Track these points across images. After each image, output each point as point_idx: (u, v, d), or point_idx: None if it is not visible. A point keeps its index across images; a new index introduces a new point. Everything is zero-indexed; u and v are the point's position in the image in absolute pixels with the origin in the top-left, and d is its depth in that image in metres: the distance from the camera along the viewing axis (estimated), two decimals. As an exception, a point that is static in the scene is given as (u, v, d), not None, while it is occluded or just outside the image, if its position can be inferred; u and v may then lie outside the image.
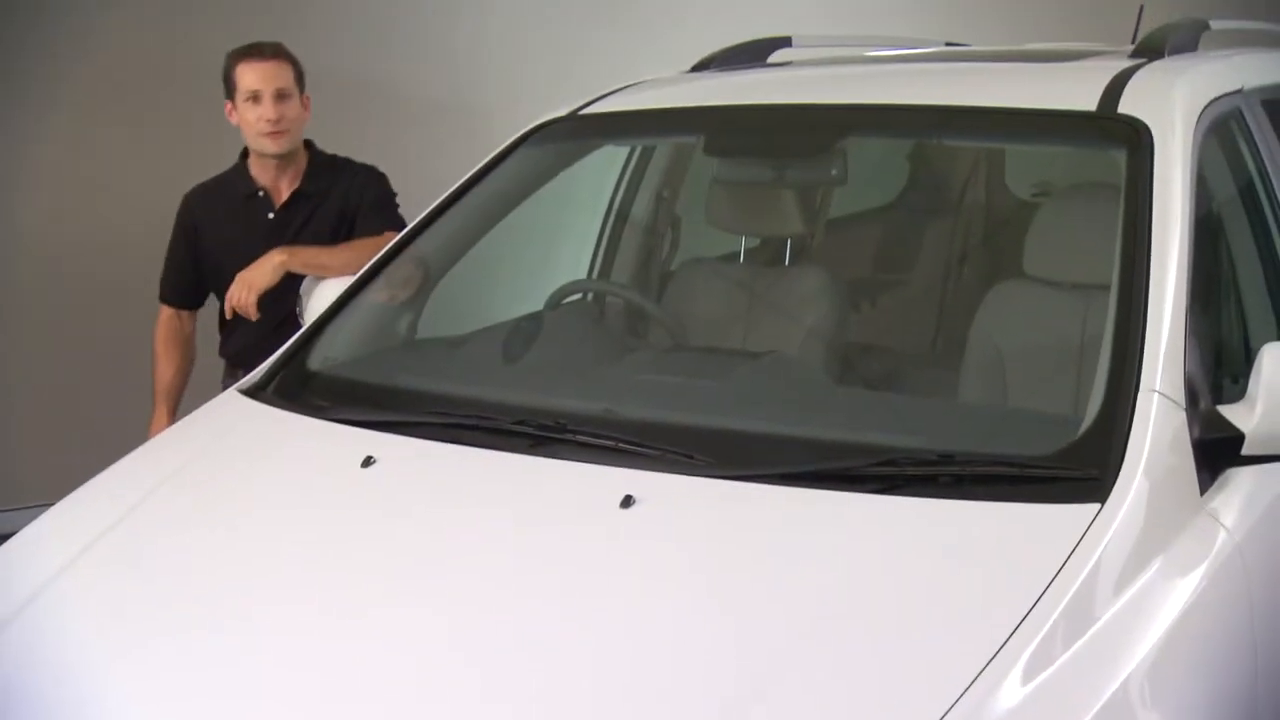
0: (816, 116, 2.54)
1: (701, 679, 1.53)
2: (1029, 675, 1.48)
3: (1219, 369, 2.15)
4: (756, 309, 2.80)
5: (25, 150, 3.98)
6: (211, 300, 3.33)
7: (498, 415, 2.06)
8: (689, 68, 2.91)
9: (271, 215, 3.22)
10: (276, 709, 1.58)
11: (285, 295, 3.10)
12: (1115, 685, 1.53)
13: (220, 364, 3.35)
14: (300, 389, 2.34)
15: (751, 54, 2.94)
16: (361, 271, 2.60)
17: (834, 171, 2.63)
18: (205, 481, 2.10)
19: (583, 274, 3.26)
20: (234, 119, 3.21)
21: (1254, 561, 1.83)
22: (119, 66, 4.03)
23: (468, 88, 4.68)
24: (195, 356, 3.33)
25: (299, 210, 3.22)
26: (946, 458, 1.82)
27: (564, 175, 2.81)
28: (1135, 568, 1.66)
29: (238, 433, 2.24)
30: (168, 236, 3.32)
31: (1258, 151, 2.36)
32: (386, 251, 2.62)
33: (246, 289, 3.06)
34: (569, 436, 1.98)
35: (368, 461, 2.00)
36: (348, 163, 3.33)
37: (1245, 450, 1.83)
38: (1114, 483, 1.71)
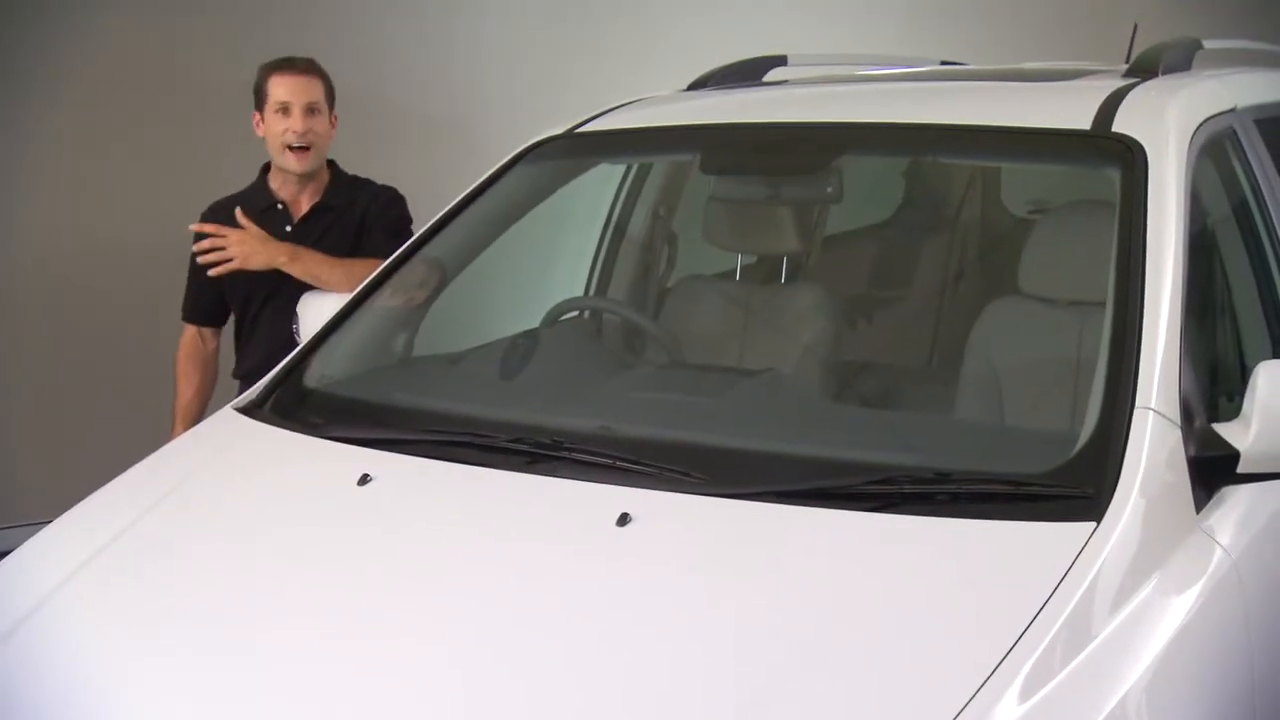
0: (812, 135, 2.55)
1: (699, 698, 1.53)
2: (1026, 693, 1.48)
3: (1214, 387, 2.16)
4: (753, 326, 2.80)
5: (25, 153, 3.97)
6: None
7: (494, 433, 2.06)
8: (685, 86, 2.92)
9: (290, 228, 3.21)
10: (272, 728, 1.58)
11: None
12: (1112, 703, 1.53)
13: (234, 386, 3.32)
14: (296, 406, 2.34)
15: (747, 72, 2.95)
16: (358, 289, 2.61)
17: (830, 189, 2.64)
18: (202, 499, 2.10)
19: (579, 291, 3.26)
20: (260, 130, 3.21)
21: (1250, 579, 1.83)
22: (120, 68, 4.04)
23: (465, 106, 4.69)
24: (217, 376, 3.32)
25: (318, 223, 3.22)
26: (943, 475, 1.82)
27: (561, 193, 2.82)
28: (1132, 586, 1.66)
29: (234, 450, 2.24)
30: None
31: (1251, 170, 2.37)
32: (380, 271, 2.62)
33: (241, 258, 3.09)
34: (565, 454, 1.98)
35: (364, 479, 2.00)
36: (368, 183, 3.34)
37: (1241, 468, 1.83)
38: (1110, 501, 1.71)
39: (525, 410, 2.23)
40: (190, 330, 3.31)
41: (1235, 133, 2.38)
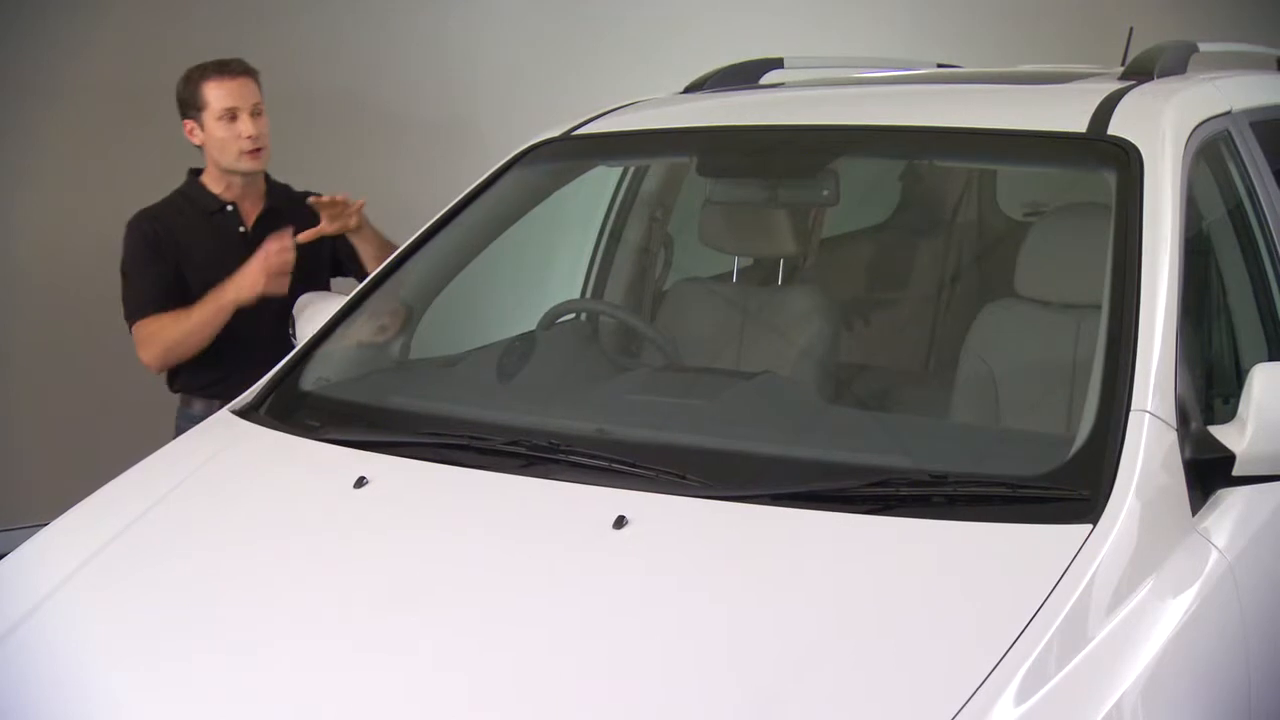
0: (809, 137, 2.56)
1: (697, 701, 1.53)
2: (1022, 696, 1.48)
3: (1210, 389, 2.16)
4: (749, 329, 2.80)
5: (26, 154, 3.97)
6: None
7: (490, 435, 2.06)
8: (682, 88, 2.93)
9: (243, 230, 3.17)
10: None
11: (257, 321, 3.08)
12: (1109, 705, 1.53)
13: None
14: (293, 409, 2.34)
15: (744, 75, 2.96)
16: (356, 290, 2.61)
17: (826, 192, 2.64)
18: (199, 502, 2.10)
19: (576, 294, 3.26)
20: (195, 138, 3.13)
21: (1246, 582, 1.84)
22: (120, 69, 4.04)
23: (462, 108, 4.69)
24: None
25: (272, 226, 3.17)
26: (939, 478, 1.82)
27: (557, 195, 2.82)
28: (1128, 588, 1.66)
29: (231, 453, 2.24)
30: None
31: (1246, 173, 2.37)
32: (380, 272, 2.62)
33: (358, 221, 3.10)
34: (562, 457, 1.98)
35: (360, 482, 2.00)
36: (289, 187, 3.30)
37: (1236, 471, 1.84)
38: (1105, 503, 1.71)
39: (522, 413, 2.23)
40: (159, 316, 3.05)
41: (1231, 136, 2.39)
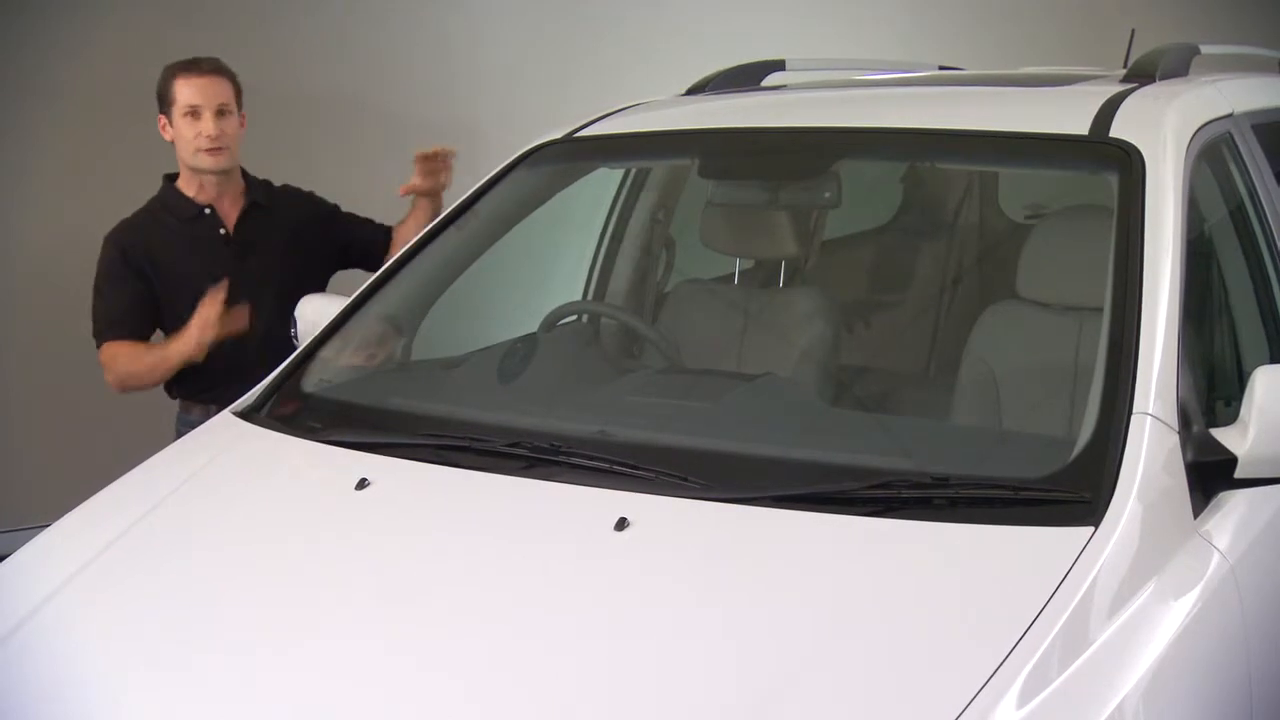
0: (811, 139, 2.56)
1: (698, 703, 1.53)
2: (1024, 698, 1.48)
3: (1211, 392, 2.16)
4: (751, 331, 2.80)
5: (26, 154, 3.97)
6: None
7: (492, 437, 2.06)
8: (684, 90, 2.93)
9: (224, 232, 3.15)
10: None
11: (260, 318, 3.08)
12: (1110, 708, 1.53)
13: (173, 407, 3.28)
14: (294, 411, 2.34)
15: (745, 77, 2.95)
16: (358, 293, 2.61)
17: (828, 194, 2.64)
18: (200, 503, 2.10)
19: (578, 296, 3.26)
20: (167, 134, 3.14)
21: (1248, 585, 1.84)
22: (120, 70, 4.03)
23: (464, 110, 4.69)
24: None
25: (256, 223, 3.18)
26: (941, 480, 1.82)
27: (559, 197, 2.82)
28: (1129, 591, 1.66)
29: (232, 455, 2.24)
30: None
31: (1248, 176, 2.37)
32: (382, 273, 2.62)
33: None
34: (563, 459, 1.98)
35: (362, 484, 2.00)
36: (271, 183, 3.29)
37: (1238, 473, 1.83)
38: (1107, 506, 1.71)
39: (523, 414, 2.22)
40: (122, 344, 3.07)
41: (1232, 138, 2.38)
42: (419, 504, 1.99)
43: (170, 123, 3.12)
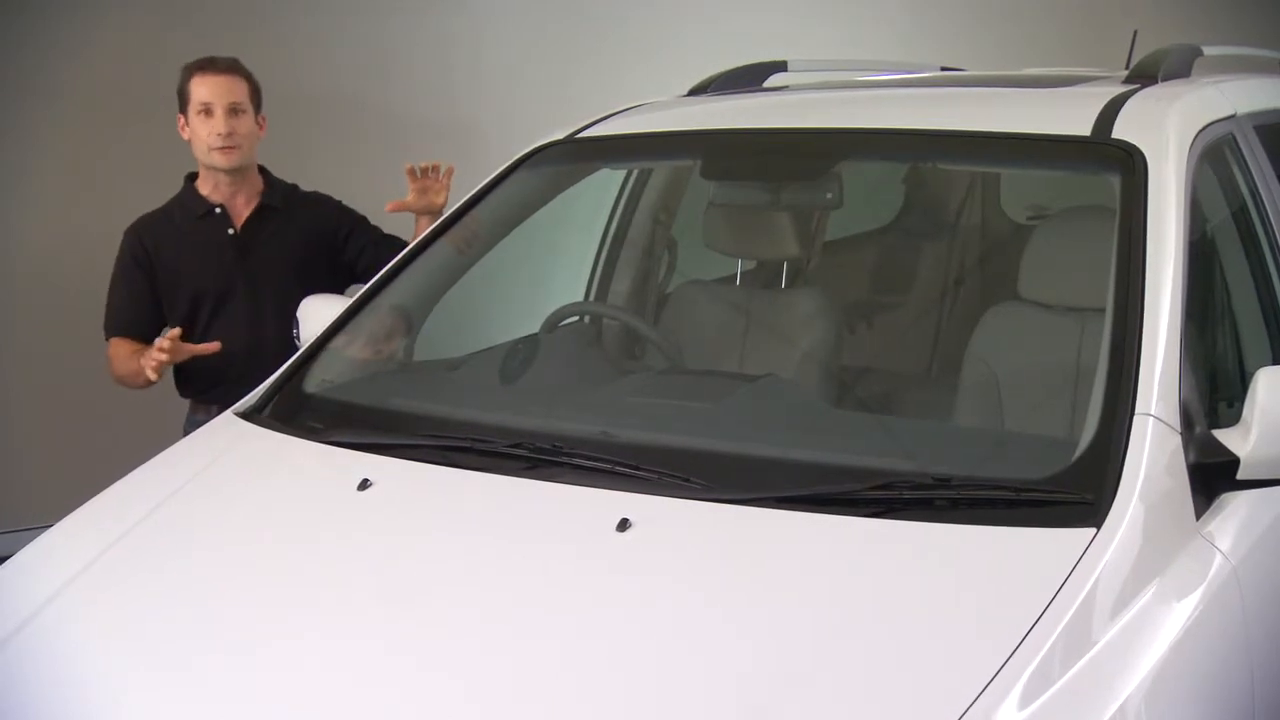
0: (813, 140, 2.56)
1: (700, 704, 1.53)
2: (1026, 700, 1.48)
3: (1214, 393, 2.16)
4: (753, 331, 2.80)
5: (27, 155, 3.96)
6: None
7: (494, 438, 2.06)
8: (686, 91, 2.93)
9: (232, 231, 3.16)
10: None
11: (247, 323, 3.08)
12: (1112, 709, 1.53)
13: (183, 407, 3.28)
14: (296, 411, 2.34)
15: (748, 78, 2.96)
16: (360, 294, 2.61)
17: (830, 195, 2.64)
18: (202, 504, 2.10)
19: (579, 296, 3.26)
20: (185, 134, 3.16)
21: (1250, 586, 1.83)
22: (120, 71, 4.04)
23: (466, 111, 4.69)
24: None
25: (264, 224, 3.18)
26: (942, 481, 1.82)
27: (561, 198, 2.82)
28: (1131, 592, 1.66)
29: (234, 455, 2.24)
30: None
31: (1251, 177, 2.37)
32: (382, 275, 2.62)
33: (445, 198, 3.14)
34: (565, 459, 1.98)
35: (364, 484, 2.00)
36: (296, 188, 3.29)
37: (1240, 475, 1.83)
38: (1109, 507, 1.71)
39: (525, 415, 2.23)
40: (123, 342, 3.12)
41: (1235, 139, 2.38)
42: (421, 505, 1.99)
43: (187, 121, 3.15)
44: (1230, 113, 2.41)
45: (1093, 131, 2.21)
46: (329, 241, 3.25)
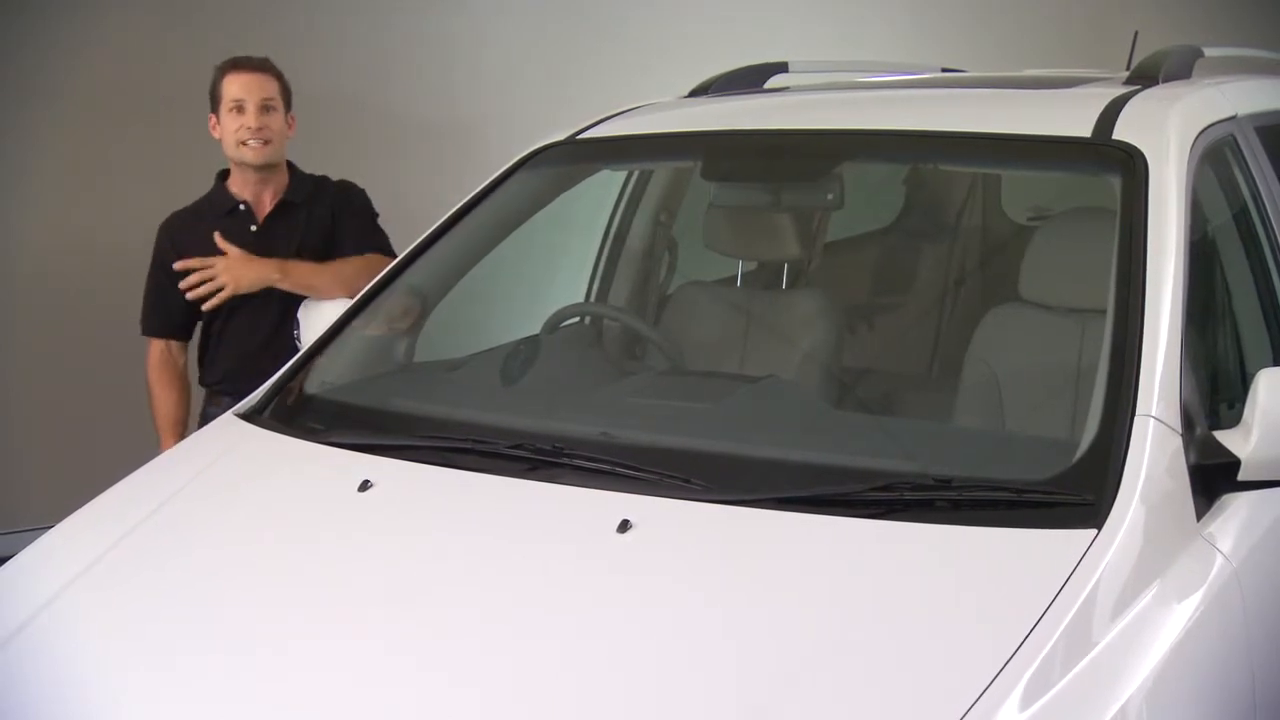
0: (813, 141, 2.56)
1: (700, 705, 1.53)
2: (1027, 701, 1.48)
3: (1215, 394, 2.16)
4: (753, 332, 2.80)
5: (27, 156, 3.96)
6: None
7: (495, 439, 2.06)
8: (687, 92, 2.93)
9: (255, 228, 3.19)
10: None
11: (267, 317, 3.09)
12: (1113, 710, 1.53)
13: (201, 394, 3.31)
14: (297, 412, 2.34)
15: (749, 79, 2.96)
16: (359, 296, 2.61)
17: (830, 196, 2.64)
18: (203, 505, 2.10)
19: (580, 297, 3.26)
20: (216, 132, 3.19)
21: (1251, 587, 1.84)
22: (120, 72, 4.04)
23: (466, 111, 4.70)
24: (190, 388, 3.30)
25: (284, 220, 3.20)
26: (943, 482, 1.82)
27: (562, 199, 2.82)
28: (1132, 593, 1.66)
29: (235, 456, 2.24)
30: None
31: (1252, 178, 2.37)
32: (384, 275, 2.62)
33: (231, 283, 3.08)
34: (566, 460, 1.98)
35: (364, 485, 2.00)
36: (326, 179, 3.33)
37: (1241, 476, 1.83)
38: (1110, 508, 1.71)
39: (526, 416, 2.23)
40: (158, 345, 3.23)
41: (1236, 140, 2.38)
42: (421, 505, 1.99)
43: (219, 120, 3.17)
44: (1231, 114, 2.41)
45: (1093, 133, 2.21)
46: (339, 237, 3.26)
